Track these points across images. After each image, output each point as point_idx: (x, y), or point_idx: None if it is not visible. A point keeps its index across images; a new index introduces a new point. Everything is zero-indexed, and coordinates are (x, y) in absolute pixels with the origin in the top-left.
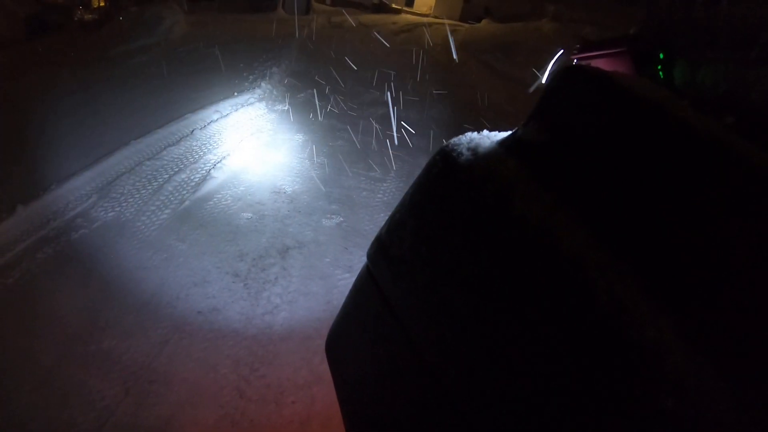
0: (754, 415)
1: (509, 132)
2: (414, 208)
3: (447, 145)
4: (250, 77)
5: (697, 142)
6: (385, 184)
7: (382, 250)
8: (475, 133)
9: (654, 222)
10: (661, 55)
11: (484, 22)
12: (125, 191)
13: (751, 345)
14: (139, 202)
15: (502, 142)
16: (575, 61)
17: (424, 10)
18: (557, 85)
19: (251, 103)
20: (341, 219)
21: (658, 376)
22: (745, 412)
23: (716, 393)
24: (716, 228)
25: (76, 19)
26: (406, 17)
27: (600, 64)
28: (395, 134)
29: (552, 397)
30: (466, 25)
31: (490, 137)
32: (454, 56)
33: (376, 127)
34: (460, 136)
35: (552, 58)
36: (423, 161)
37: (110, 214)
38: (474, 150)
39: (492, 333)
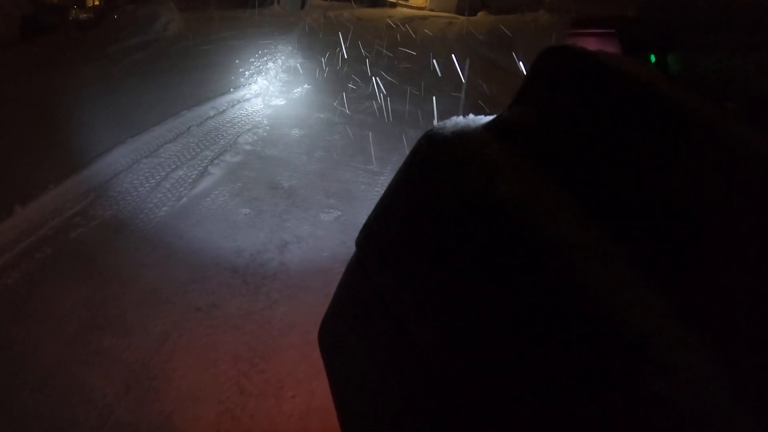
0: (748, 398)
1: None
2: (400, 193)
3: (432, 130)
4: (246, 73)
5: (685, 119)
6: (383, 177)
7: (369, 236)
8: (461, 117)
9: (643, 202)
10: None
11: (480, 14)
12: (122, 189)
13: (745, 328)
14: (137, 199)
15: (487, 126)
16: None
17: (420, 3)
18: (541, 65)
19: (248, 99)
20: (339, 213)
21: (646, 358)
22: (739, 395)
23: (708, 375)
24: (709, 209)
25: (71, 18)
26: (402, 11)
27: (590, 43)
28: (393, 129)
29: (539, 381)
30: (462, 18)
31: (476, 121)
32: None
33: (372, 121)
34: (446, 120)
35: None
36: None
37: (108, 213)
38: (459, 134)
39: (478, 318)
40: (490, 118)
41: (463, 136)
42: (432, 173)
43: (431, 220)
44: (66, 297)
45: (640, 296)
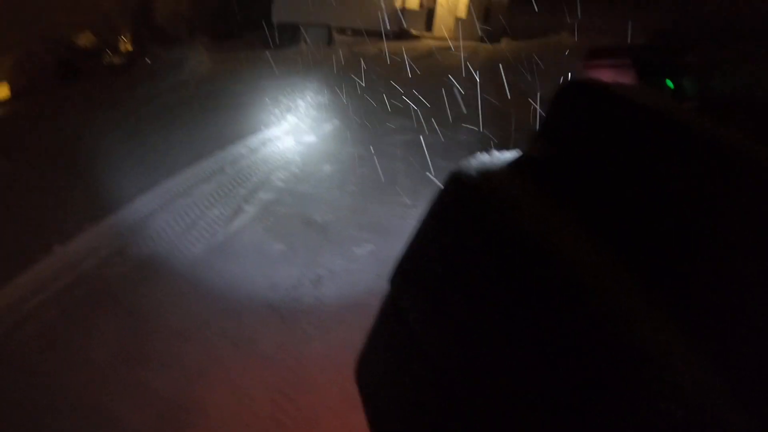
0: (755, 416)
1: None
2: (428, 231)
3: (457, 170)
4: (276, 111)
5: (699, 146)
6: (415, 210)
7: (401, 274)
8: (486, 154)
9: (658, 228)
10: (671, 70)
11: (504, 41)
12: (159, 228)
13: (753, 346)
14: (173, 238)
15: (511, 162)
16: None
17: (443, 34)
18: (559, 100)
19: (279, 137)
20: (373, 247)
21: (658, 380)
22: (746, 413)
23: (715, 394)
24: (720, 233)
25: (105, 63)
26: (427, 42)
27: (606, 74)
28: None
29: (555, 405)
30: (486, 46)
31: (500, 158)
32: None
33: (401, 154)
34: (470, 158)
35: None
36: None
37: (144, 251)
38: (483, 172)
39: (505, 353)
40: (513, 153)
41: (487, 174)
42: (457, 210)
43: (460, 259)
44: (102, 332)
45: (653, 320)
